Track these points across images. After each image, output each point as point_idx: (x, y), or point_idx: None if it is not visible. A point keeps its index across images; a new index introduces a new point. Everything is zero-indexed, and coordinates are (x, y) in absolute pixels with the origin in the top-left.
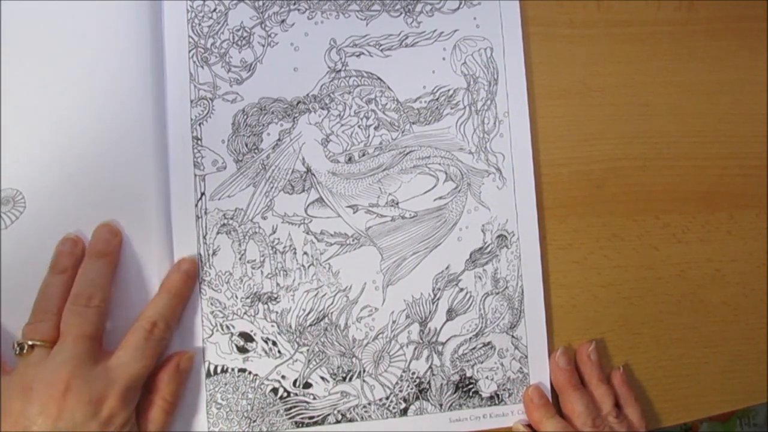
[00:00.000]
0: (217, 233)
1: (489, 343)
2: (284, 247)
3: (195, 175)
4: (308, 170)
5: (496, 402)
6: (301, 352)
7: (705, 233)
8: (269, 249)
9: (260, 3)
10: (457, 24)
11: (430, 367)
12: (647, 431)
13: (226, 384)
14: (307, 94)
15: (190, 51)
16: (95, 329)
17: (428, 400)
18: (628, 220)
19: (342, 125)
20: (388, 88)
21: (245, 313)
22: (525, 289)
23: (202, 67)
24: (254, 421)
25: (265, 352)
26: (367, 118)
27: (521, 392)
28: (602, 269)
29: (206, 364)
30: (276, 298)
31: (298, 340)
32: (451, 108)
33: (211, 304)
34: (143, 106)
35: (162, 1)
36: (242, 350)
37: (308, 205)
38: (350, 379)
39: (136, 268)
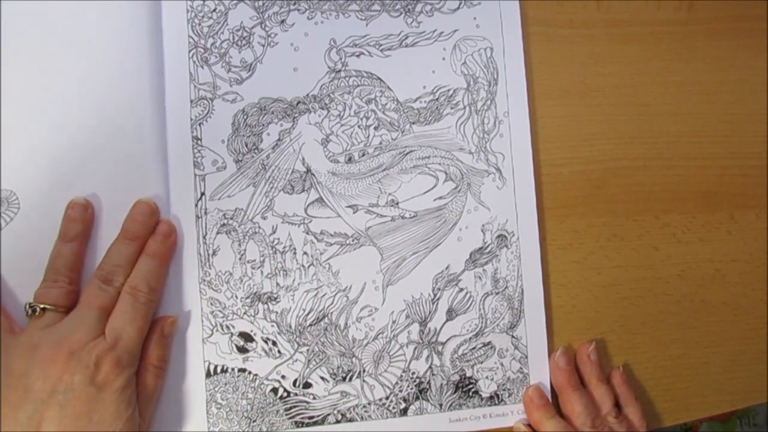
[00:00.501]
0: (217, 233)
1: (489, 343)
2: (284, 247)
3: (195, 175)
4: (308, 170)
5: (496, 402)
6: (301, 352)
7: (705, 233)
8: (269, 249)
9: (260, 3)
10: (457, 24)
11: (430, 367)
12: (648, 431)
13: (226, 384)
14: (307, 94)
15: (190, 51)
16: (113, 304)
17: (428, 400)
18: (628, 220)
19: (342, 125)
20: (388, 88)
21: (245, 313)
22: (525, 289)
23: (202, 67)
24: (254, 421)
25: (265, 352)
26: (367, 118)
27: (521, 392)
28: (602, 269)
29: (206, 364)
30: (276, 298)
31: (298, 340)
32: (451, 108)
33: (211, 304)
34: (143, 106)
35: (162, 1)
36: (242, 350)
37: (308, 205)
38: (350, 379)
39: None
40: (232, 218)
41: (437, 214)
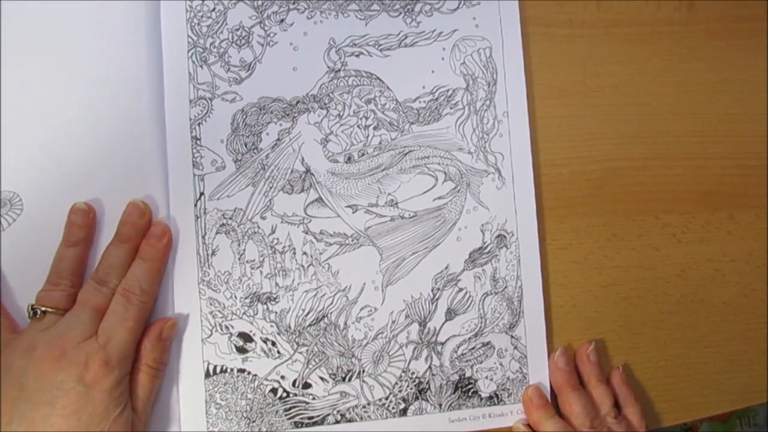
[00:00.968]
0: (216, 233)
1: (488, 343)
2: (283, 247)
3: (194, 175)
4: (307, 170)
5: (496, 402)
6: (301, 353)
7: (705, 233)
8: (268, 249)
9: (259, 2)
10: (457, 24)
11: (430, 367)
12: (647, 431)
13: (225, 384)
14: (307, 94)
15: (189, 50)
16: (107, 304)
17: (428, 400)
18: (628, 220)
19: (341, 125)
20: (388, 88)
21: (244, 313)
22: (524, 289)
23: (201, 66)
24: (253, 422)
25: (265, 353)
26: (367, 118)
27: (520, 392)
28: (602, 269)
29: (205, 364)
30: (275, 298)
31: (297, 340)
32: (451, 108)
33: (210, 304)
34: (142, 105)
35: (160, 0)
36: (241, 350)
37: (307, 205)
38: (349, 379)
39: None
40: (231, 218)
41: (436, 214)
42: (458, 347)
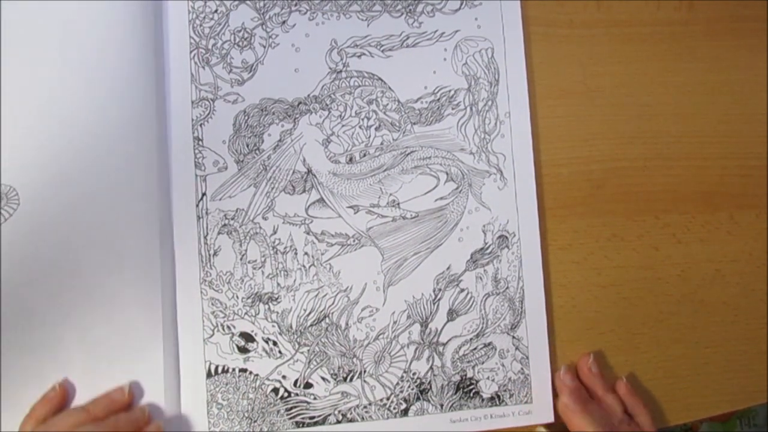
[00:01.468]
0: (218, 233)
1: (490, 343)
2: (285, 247)
3: (196, 176)
4: (309, 171)
5: (497, 403)
6: (302, 353)
7: (705, 233)
8: (270, 249)
9: (261, 4)
10: (459, 24)
11: (431, 367)
12: None
13: (226, 384)
14: (308, 95)
15: (191, 52)
16: None
17: (429, 401)
18: (628, 220)
19: (343, 126)
20: (389, 88)
21: (246, 313)
22: (526, 290)
23: (203, 67)
24: (255, 421)
25: (266, 353)
26: (368, 119)
27: (522, 393)
28: (602, 269)
29: (207, 364)
30: (277, 299)
31: (298, 340)
32: (452, 108)
33: (212, 304)
34: (144, 106)
35: (163, 1)
36: (243, 350)
37: (309, 206)
38: (351, 380)
39: (137, 268)
40: (233, 219)
41: (438, 214)
42: (460, 348)
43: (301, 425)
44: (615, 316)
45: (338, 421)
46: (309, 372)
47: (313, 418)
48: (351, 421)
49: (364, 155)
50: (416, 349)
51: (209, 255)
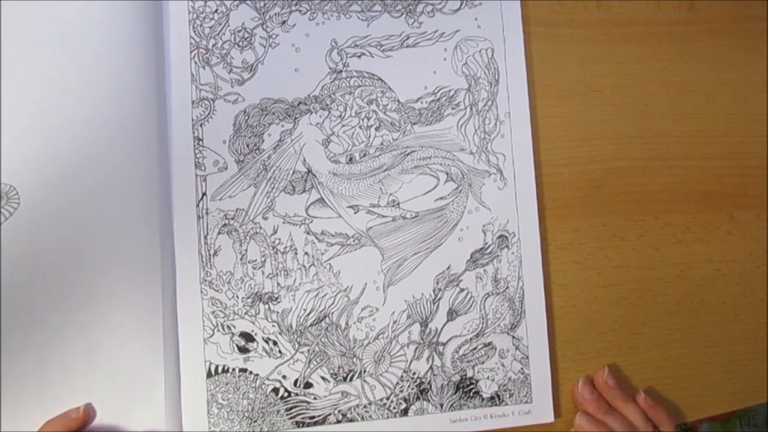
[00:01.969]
0: (218, 233)
1: (490, 343)
2: (285, 247)
3: (196, 176)
4: (309, 171)
5: (497, 402)
6: (302, 352)
7: (705, 233)
8: (270, 249)
9: (261, 4)
10: (459, 24)
11: (431, 367)
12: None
13: (227, 384)
14: (308, 95)
15: (191, 52)
16: None
17: (429, 401)
18: (628, 220)
19: (343, 126)
20: (389, 88)
21: (246, 313)
22: (526, 290)
23: (203, 67)
24: (255, 421)
25: (266, 352)
26: (368, 119)
27: (522, 393)
28: (602, 269)
29: (207, 364)
30: (277, 298)
31: (298, 340)
32: (452, 108)
33: (212, 304)
34: (144, 106)
35: (163, 1)
36: (243, 350)
37: (309, 206)
38: (351, 379)
39: (138, 267)
40: (233, 218)
41: (438, 214)
42: (460, 348)
43: (301, 425)
44: (615, 316)
45: (338, 421)
46: (309, 372)
47: (313, 417)
48: (351, 420)
49: (364, 155)
50: (416, 348)
51: (209, 255)
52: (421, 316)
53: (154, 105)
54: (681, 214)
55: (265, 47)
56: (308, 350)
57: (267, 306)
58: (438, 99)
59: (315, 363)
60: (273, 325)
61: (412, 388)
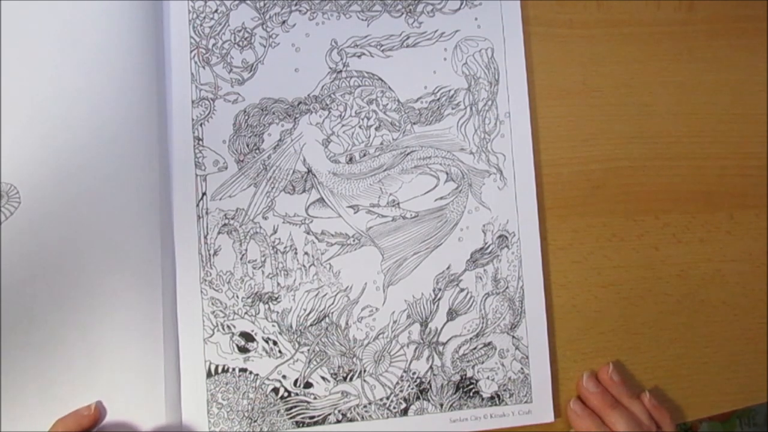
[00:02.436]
0: (218, 233)
1: (490, 343)
2: (285, 247)
3: (196, 175)
4: (309, 170)
5: (497, 402)
6: (302, 352)
7: (705, 233)
8: (270, 249)
9: (261, 4)
10: (459, 24)
11: (431, 367)
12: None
13: (226, 384)
14: (308, 95)
15: (191, 51)
16: None
17: (429, 400)
18: (628, 220)
19: (343, 126)
20: (389, 88)
21: (246, 312)
22: (525, 290)
23: (203, 67)
24: (255, 421)
25: (266, 352)
26: (368, 119)
27: (522, 392)
28: (602, 269)
29: (207, 363)
30: (277, 298)
31: (298, 339)
32: (452, 108)
33: (212, 303)
34: (145, 106)
35: (163, 1)
36: (243, 350)
37: (309, 206)
38: (351, 379)
39: (138, 267)
40: (233, 218)
41: (438, 214)
42: (459, 347)
43: (301, 425)
44: (615, 316)
45: (338, 421)
46: (309, 372)
47: (313, 417)
48: (351, 420)
49: (364, 155)
50: (416, 348)
51: (209, 254)
52: (421, 315)
53: (154, 105)
54: (681, 214)
55: (265, 47)
56: (308, 350)
57: (267, 306)
58: (438, 99)
59: (315, 363)
60: (273, 325)
61: (412, 388)
